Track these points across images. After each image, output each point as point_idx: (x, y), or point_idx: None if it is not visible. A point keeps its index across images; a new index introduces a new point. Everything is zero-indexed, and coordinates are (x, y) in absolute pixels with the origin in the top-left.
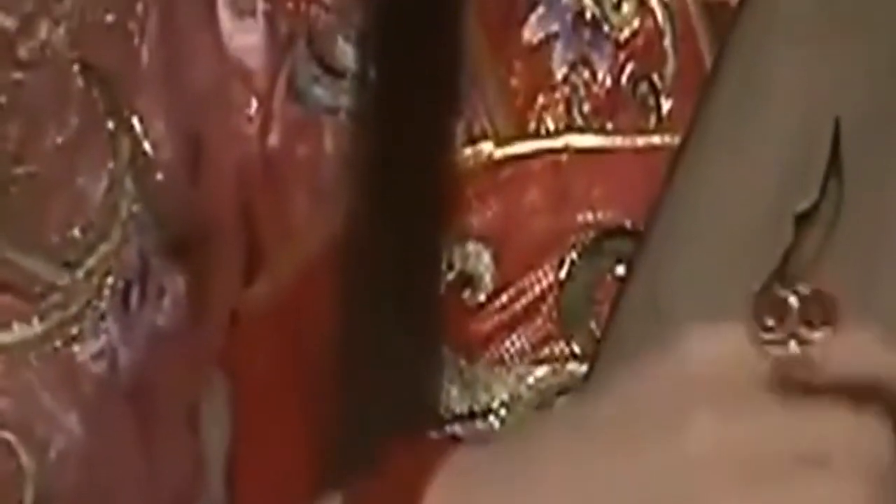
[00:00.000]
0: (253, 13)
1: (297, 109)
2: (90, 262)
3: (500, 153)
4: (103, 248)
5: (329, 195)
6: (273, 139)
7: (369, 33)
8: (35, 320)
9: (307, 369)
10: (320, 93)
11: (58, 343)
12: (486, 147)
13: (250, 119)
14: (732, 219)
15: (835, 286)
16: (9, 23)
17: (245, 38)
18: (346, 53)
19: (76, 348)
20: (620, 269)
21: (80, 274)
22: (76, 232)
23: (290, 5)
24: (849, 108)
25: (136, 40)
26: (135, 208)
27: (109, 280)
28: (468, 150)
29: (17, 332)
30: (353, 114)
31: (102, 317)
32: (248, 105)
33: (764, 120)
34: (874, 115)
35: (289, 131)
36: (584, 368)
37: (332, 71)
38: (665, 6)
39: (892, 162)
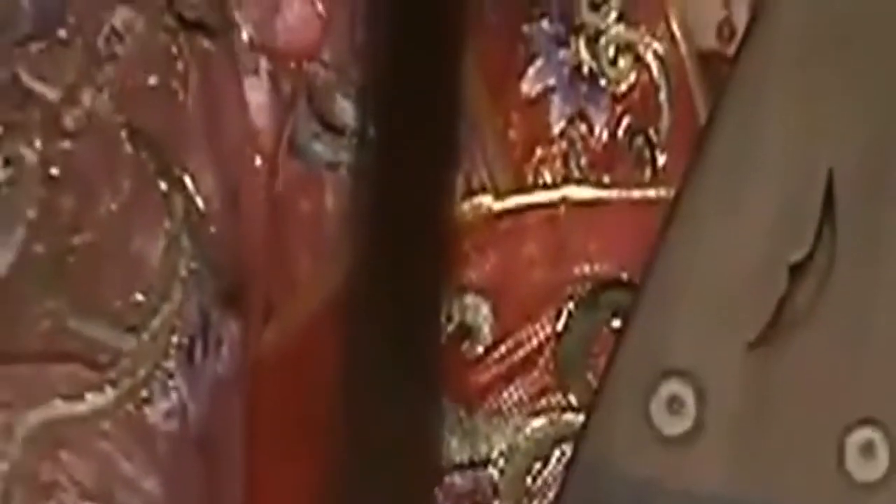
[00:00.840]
0: (256, 72)
1: (299, 165)
2: (154, 323)
3: (498, 206)
4: (166, 309)
5: (331, 248)
6: (277, 194)
7: (368, 90)
8: (107, 388)
9: (312, 419)
10: (321, 149)
11: (130, 408)
12: (485, 200)
13: (257, 175)
14: (727, 269)
15: (828, 336)
16: (52, 94)
17: (251, 97)
18: (345, 110)
19: (147, 410)
20: (616, 322)
21: (145, 337)
22: (138, 295)
23: (292, 64)
24: (842, 158)
25: (180, 99)
26: (192, 264)
27: (174, 339)
28: (467, 204)
29: (91, 401)
30: (354, 169)
31: (171, 375)
32: (254, 162)
33: (757, 171)
34: (867, 166)
35: (291, 187)
36: (580, 419)
37: (332, 128)
38: (661, 61)
39: (885, 212)
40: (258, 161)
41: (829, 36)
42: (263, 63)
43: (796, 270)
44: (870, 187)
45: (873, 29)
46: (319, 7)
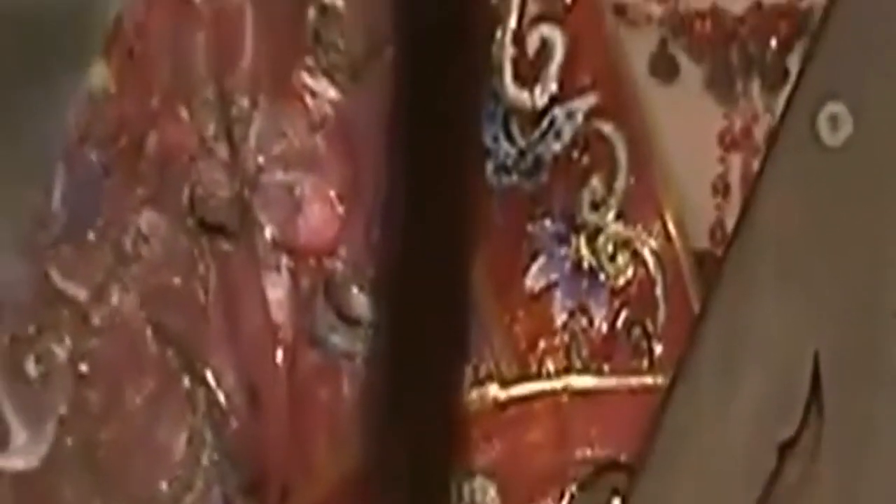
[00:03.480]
0: (278, 269)
1: (317, 355)
2: None
3: (504, 395)
4: (189, 498)
5: (347, 434)
6: (296, 384)
7: (382, 285)
8: None
9: None
10: (338, 340)
11: None
12: (492, 389)
13: (277, 369)
14: (720, 448)
15: None
16: (81, 294)
17: (271, 293)
18: (360, 303)
19: None
20: (617, 502)
21: None
22: (162, 485)
23: (311, 261)
24: (828, 341)
25: (202, 299)
26: (215, 457)
27: None
28: (474, 393)
29: None
30: (368, 359)
31: None
32: (276, 355)
33: (747, 355)
34: (853, 348)
35: (310, 376)
36: None
37: (349, 320)
38: (657, 257)
39: (871, 393)
40: (279, 356)
41: (812, 226)
42: (284, 260)
43: (785, 449)
44: (856, 369)
45: (856, 216)
46: (338, 208)
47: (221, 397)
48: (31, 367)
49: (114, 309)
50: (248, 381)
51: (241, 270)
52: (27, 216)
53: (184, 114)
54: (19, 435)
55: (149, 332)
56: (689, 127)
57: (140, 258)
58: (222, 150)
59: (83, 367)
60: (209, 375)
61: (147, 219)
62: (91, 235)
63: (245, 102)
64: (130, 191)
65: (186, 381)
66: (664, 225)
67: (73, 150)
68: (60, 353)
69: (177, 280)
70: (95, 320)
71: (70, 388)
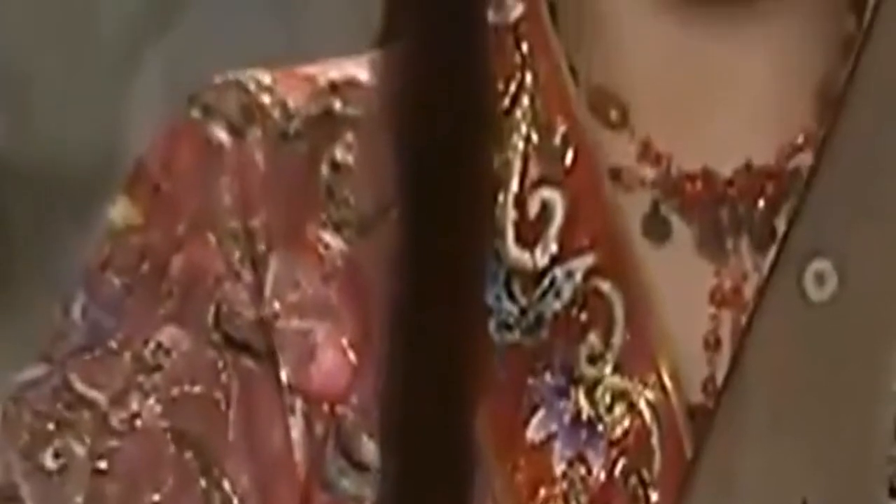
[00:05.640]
0: (293, 411)
1: (328, 498)
2: None
3: None
4: None
5: None
6: None
7: (388, 434)
8: None
9: None
10: (347, 484)
11: None
12: None
13: (292, 478)
14: None
15: None
16: (101, 399)
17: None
18: (370, 450)
19: None
20: None
21: None
22: None
23: (325, 406)
24: (817, 490)
25: (223, 407)
26: None
27: None
28: None
29: None
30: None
31: None
32: (291, 481)
33: (738, 502)
34: (842, 497)
35: None
36: None
37: (358, 465)
38: (652, 408)
39: None
40: (293, 489)
41: (800, 379)
42: (299, 404)
43: None
44: None
45: (843, 369)
46: (350, 356)
47: (236, 501)
48: (49, 460)
49: (134, 413)
50: (267, 490)
51: (264, 388)
52: (47, 330)
53: (211, 238)
54: None
55: (168, 435)
56: (682, 284)
57: (161, 368)
58: (248, 276)
59: (101, 464)
60: (225, 482)
61: (170, 334)
62: (112, 345)
63: (263, 247)
64: (152, 309)
65: (203, 483)
66: (659, 378)
67: (94, 275)
68: (79, 449)
69: (198, 388)
70: (115, 423)
71: (87, 482)
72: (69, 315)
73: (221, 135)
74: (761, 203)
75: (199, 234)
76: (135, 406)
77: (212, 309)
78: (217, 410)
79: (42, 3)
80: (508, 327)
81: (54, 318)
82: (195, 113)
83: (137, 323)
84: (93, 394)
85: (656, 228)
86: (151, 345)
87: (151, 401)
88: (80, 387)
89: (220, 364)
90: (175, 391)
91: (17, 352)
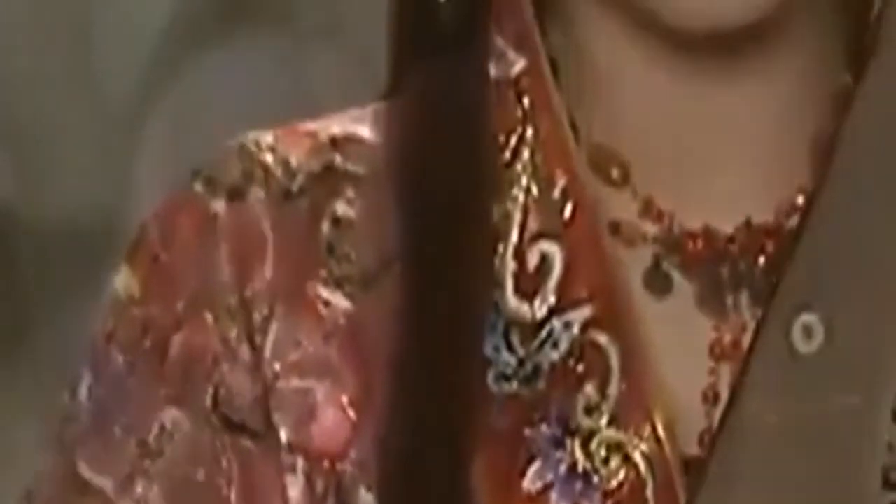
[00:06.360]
0: (294, 470)
1: None
2: None
3: None
4: None
5: None
6: None
7: (386, 486)
8: None
9: None
10: None
11: None
12: None
13: None
14: None
15: None
16: (108, 485)
17: (289, 492)
18: (368, 502)
19: None
20: None
21: None
22: None
23: (325, 463)
24: None
25: (224, 492)
26: None
27: None
28: None
29: None
30: None
31: None
32: None
33: None
34: None
35: None
36: None
37: None
38: (647, 460)
39: None
40: None
41: (789, 428)
42: (300, 462)
43: None
44: None
45: (830, 419)
46: (350, 412)
47: None
48: None
49: (139, 499)
50: None
51: (263, 468)
52: (55, 412)
53: (208, 318)
54: None
55: None
56: (682, 338)
57: (163, 453)
58: (245, 354)
59: None
60: None
61: (171, 416)
62: (117, 430)
63: (264, 311)
64: (154, 390)
65: None
66: (654, 429)
67: (99, 350)
68: None
69: (200, 474)
70: None
71: None
72: (76, 397)
73: (221, 206)
74: (762, 260)
75: (196, 314)
76: (140, 491)
77: (210, 390)
78: (219, 497)
79: (51, 59)
80: (506, 378)
81: (63, 399)
82: (197, 186)
83: (141, 405)
84: (99, 480)
85: (658, 283)
86: (155, 429)
87: (156, 487)
88: (87, 473)
89: (220, 447)
90: (178, 476)
91: (25, 403)
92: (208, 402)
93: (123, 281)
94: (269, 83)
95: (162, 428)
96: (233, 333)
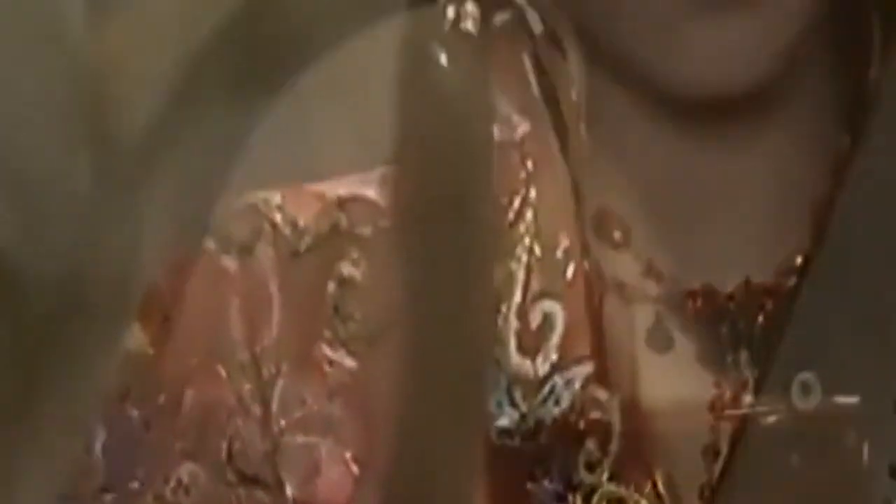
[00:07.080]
0: None
1: None
2: None
3: None
4: None
5: None
6: None
7: None
8: None
9: None
10: None
11: None
12: None
13: None
14: None
15: None
16: None
17: None
18: None
19: None
20: None
21: None
22: None
23: None
24: None
25: None
26: None
27: None
28: None
29: None
30: None
31: None
32: None
33: None
34: None
35: None
36: None
37: None
38: None
39: None
40: None
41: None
42: None
43: None
44: None
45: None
46: (353, 468)
47: None
48: None
49: None
50: None
51: None
52: (69, 468)
53: (222, 373)
54: None
55: None
56: (682, 395)
57: None
58: (257, 409)
59: None
60: None
61: (187, 470)
62: (134, 485)
63: (272, 368)
64: (170, 444)
65: None
66: (654, 485)
67: (113, 408)
68: None
69: None
70: None
71: None
72: (91, 453)
73: (232, 262)
74: (761, 319)
75: (209, 368)
76: None
77: (225, 445)
78: None
79: (54, 107)
80: (509, 434)
81: (76, 455)
82: (209, 243)
83: (157, 460)
84: None
85: (659, 340)
86: (172, 483)
87: None
88: None
89: (235, 499)
90: None
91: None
92: (224, 456)
93: (136, 339)
94: (275, 140)
95: (179, 482)
96: (245, 388)
